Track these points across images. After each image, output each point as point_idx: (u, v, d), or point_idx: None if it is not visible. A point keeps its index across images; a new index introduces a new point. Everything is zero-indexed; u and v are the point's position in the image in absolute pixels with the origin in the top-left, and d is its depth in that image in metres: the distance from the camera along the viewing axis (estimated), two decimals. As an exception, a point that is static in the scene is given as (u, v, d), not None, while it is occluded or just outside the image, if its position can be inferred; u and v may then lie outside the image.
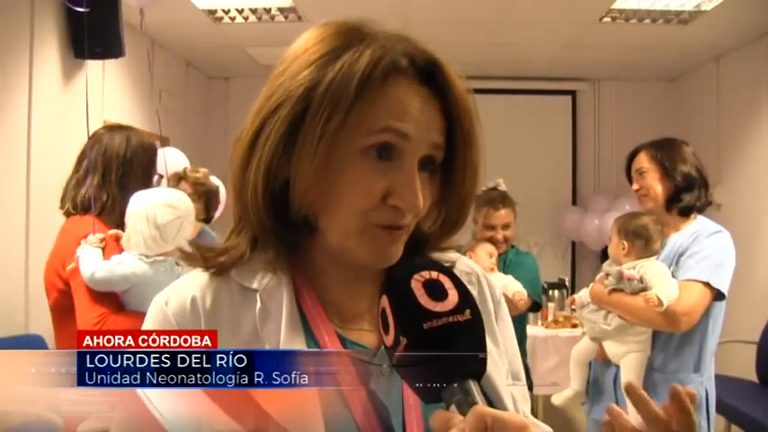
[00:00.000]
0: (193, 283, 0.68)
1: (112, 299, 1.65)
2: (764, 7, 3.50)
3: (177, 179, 2.67)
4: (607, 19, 3.77)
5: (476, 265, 0.80)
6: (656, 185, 1.99)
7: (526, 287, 2.47)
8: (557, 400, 2.20)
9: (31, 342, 2.89)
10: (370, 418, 0.62)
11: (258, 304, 0.66)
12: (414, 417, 0.64)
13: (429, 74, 0.65)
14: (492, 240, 2.56)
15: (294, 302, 0.67)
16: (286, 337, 0.64)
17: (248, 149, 0.65)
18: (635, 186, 2.07)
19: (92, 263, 1.62)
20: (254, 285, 0.67)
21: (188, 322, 0.65)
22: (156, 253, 1.67)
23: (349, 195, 0.62)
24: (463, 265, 0.78)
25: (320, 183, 0.63)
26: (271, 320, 0.65)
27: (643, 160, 2.04)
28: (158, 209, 1.67)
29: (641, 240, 1.94)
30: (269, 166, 0.64)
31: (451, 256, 0.75)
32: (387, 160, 0.62)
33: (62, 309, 1.70)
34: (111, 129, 1.91)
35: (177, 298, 0.67)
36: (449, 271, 0.59)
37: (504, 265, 2.61)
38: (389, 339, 0.56)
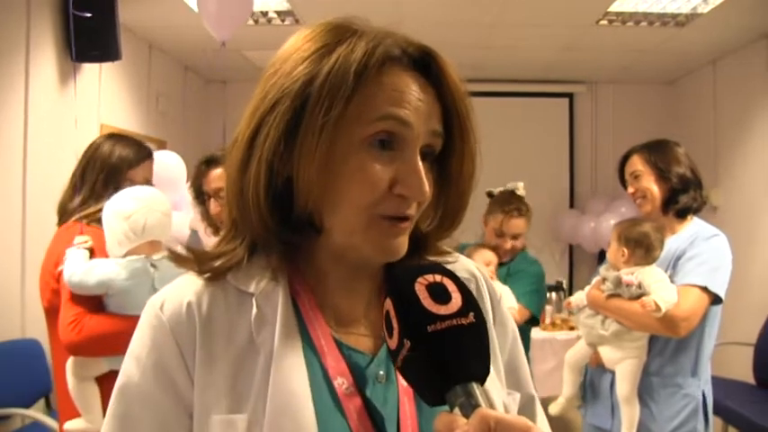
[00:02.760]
0: (188, 288, 0.67)
1: (92, 299, 1.66)
2: (760, 10, 3.51)
3: None
4: (604, 22, 3.78)
5: (475, 268, 0.79)
6: (652, 187, 1.97)
7: (521, 299, 2.35)
8: (554, 409, 2.18)
9: (28, 346, 2.89)
10: (365, 425, 0.62)
11: (254, 310, 0.64)
12: (409, 425, 0.63)
13: (423, 63, 0.65)
14: (497, 247, 2.45)
15: (291, 305, 0.66)
16: (281, 342, 0.62)
17: (247, 150, 0.64)
18: (630, 190, 2.04)
19: (73, 265, 1.63)
20: (251, 289, 0.66)
21: (183, 328, 0.64)
22: (131, 248, 1.67)
23: (353, 188, 0.61)
24: (462, 267, 0.77)
25: (323, 177, 0.61)
26: (266, 326, 0.64)
27: (637, 163, 2.02)
28: (123, 201, 1.69)
29: (642, 249, 1.90)
30: (270, 164, 0.62)
31: (450, 258, 0.75)
32: (389, 150, 0.62)
33: (56, 311, 1.69)
34: (108, 138, 1.94)
35: (173, 302, 0.65)
36: (452, 274, 0.58)
37: (508, 272, 2.49)
38: (393, 342, 0.55)
